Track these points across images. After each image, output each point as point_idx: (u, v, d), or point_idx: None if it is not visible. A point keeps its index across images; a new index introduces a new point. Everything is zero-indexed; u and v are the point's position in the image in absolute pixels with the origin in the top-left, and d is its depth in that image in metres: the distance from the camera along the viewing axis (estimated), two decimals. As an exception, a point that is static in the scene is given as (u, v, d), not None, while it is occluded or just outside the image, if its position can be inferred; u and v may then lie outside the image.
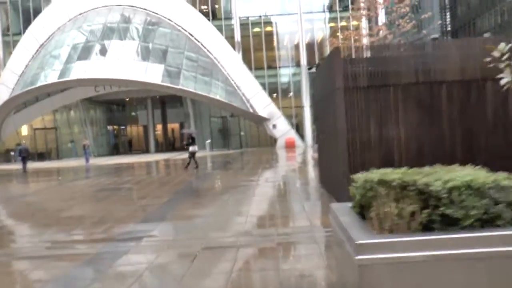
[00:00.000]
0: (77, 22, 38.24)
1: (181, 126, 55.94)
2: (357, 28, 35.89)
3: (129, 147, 49.21)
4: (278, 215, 9.75)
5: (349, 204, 4.19)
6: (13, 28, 42.42)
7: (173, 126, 53.84)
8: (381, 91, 8.46)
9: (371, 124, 8.49)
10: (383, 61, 8.53)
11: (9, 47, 41.23)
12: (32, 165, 34.65)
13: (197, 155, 35.36)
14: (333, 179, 10.36)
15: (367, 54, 8.65)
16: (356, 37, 34.48)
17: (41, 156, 40.50)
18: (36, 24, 39.22)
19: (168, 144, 50.22)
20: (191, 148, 21.23)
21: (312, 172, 17.75)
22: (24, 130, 42.75)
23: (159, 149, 47.13)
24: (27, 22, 40.36)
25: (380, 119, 8.47)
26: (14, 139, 41.58)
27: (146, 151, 49.55)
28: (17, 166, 34.27)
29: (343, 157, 8.59)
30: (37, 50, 38.35)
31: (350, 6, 38.28)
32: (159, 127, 49.29)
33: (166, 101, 48.74)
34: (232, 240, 7.39)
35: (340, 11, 39.48)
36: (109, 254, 7.09)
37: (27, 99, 37.27)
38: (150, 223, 9.24)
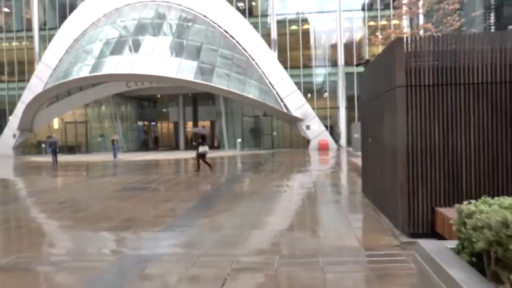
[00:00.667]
0: (111, 17, 37.69)
1: (212, 124, 55.41)
2: (397, 27, 34.29)
3: (156, 144, 48.43)
4: (320, 229, 8.45)
5: (447, 244, 2.90)
6: (50, 22, 42.24)
7: (204, 124, 52.99)
8: (449, 91, 7.09)
9: (436, 129, 7.12)
10: (453, 55, 7.14)
11: (45, 41, 41.03)
12: (61, 158, 34.35)
13: (228, 154, 35.04)
14: (381, 190, 9.02)
15: (430, 47, 7.21)
16: (398, 36, 33.07)
17: (71, 150, 40.17)
18: (71, 19, 38.91)
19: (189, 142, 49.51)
20: (201, 149, 19.18)
21: (351, 179, 16.39)
22: (56, 124, 42.50)
23: (189, 146, 46.27)
24: (63, 17, 40.10)
25: (447, 123, 7.10)
26: (45, 132, 41.42)
27: (176, 147, 48.94)
28: (47, 158, 34.02)
29: (400, 166, 7.24)
30: (71, 45, 38.00)
31: (391, 4, 36.77)
32: (190, 124, 48.46)
33: (198, 99, 47.94)
34: (266, 261, 6.17)
35: (381, 9, 37.79)
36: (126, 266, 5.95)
37: (59, 93, 36.89)
38: (172, 232, 8.11)
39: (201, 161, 19.49)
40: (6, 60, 42.79)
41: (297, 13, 38.86)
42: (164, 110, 52.60)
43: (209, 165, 19.49)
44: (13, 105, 40.06)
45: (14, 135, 39.84)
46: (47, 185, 17.07)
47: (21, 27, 42.61)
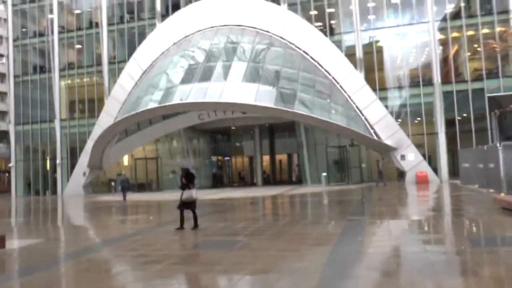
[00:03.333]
0: (182, 46, 34.68)
1: (289, 157, 50.99)
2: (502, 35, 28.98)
3: (242, 179, 44.64)
4: None
5: None
6: (119, 55, 39.96)
7: (281, 157, 48.76)
8: None
9: None
10: None
11: (114, 75, 38.65)
12: (131, 196, 31.09)
13: (312, 190, 30.25)
14: None
15: None
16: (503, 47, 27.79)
17: (141, 187, 36.97)
18: (140, 50, 36.31)
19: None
20: (185, 194, 12.27)
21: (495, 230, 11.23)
22: (125, 160, 39.67)
23: (267, 181, 42.02)
24: (132, 49, 37.64)
25: None
26: (115, 170, 38.64)
27: (251, 183, 44.83)
28: (116, 197, 30.92)
29: None
30: (140, 77, 35.23)
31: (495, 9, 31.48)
32: (266, 158, 44.26)
33: (275, 130, 43.83)
34: None
35: (481, 15, 32.24)
36: None
37: (127, 127, 33.92)
38: None
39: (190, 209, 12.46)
40: (78, 96, 40.78)
41: (384, 27, 34.01)
42: (238, 143, 48.87)
43: (195, 220, 12.41)
44: (83, 143, 37.66)
45: (84, 173, 37.26)
46: (108, 235, 13.12)
47: (91, 63, 40.60)
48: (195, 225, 12.30)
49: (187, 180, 12.27)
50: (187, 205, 12.29)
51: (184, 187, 12.26)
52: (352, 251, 8.52)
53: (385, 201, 20.08)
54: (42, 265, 8.81)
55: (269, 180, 43.31)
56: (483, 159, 22.47)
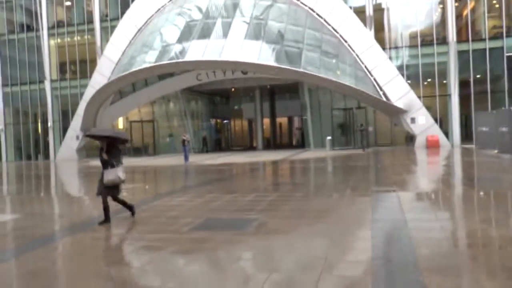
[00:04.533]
0: (178, 2, 31.91)
1: (290, 120, 48.85)
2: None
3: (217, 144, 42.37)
4: None
5: None
6: (112, 13, 37.15)
7: (282, 120, 46.66)
8: None
9: None
10: None
11: (107, 33, 35.98)
12: (126, 161, 29.04)
13: (318, 155, 28.33)
14: None
15: None
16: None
17: (137, 151, 34.88)
18: (134, 7, 33.54)
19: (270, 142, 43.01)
20: (106, 175, 8.62)
21: None
22: (120, 123, 37.46)
23: (268, 145, 40.05)
24: (125, 6, 34.86)
25: None
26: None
27: (250, 147, 42.90)
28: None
29: None
30: (135, 35, 32.63)
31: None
32: (266, 121, 42.09)
33: (276, 91, 41.58)
34: None
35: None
36: None
37: (122, 87, 31.59)
38: None
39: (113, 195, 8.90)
40: (68, 56, 38.08)
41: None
42: (238, 106, 46.62)
43: (127, 207, 9.17)
44: (76, 105, 35.33)
45: (77, 137, 35.09)
46: (93, 212, 11.15)
47: (82, 20, 37.78)
48: (131, 212, 9.13)
49: (109, 155, 8.54)
50: (110, 190, 8.66)
51: (105, 164, 8.55)
52: (402, 236, 6.57)
53: (403, 167, 18.14)
54: None
55: (270, 143, 41.31)
56: (507, 122, 20.52)
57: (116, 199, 8.91)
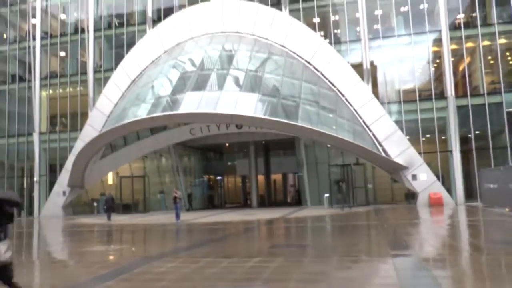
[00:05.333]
0: (173, 54, 31.20)
1: (284, 177, 47.40)
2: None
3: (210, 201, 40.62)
4: None
5: None
6: (105, 64, 36.33)
7: (276, 177, 45.20)
8: None
9: None
10: None
11: (100, 85, 34.99)
12: (116, 218, 27.46)
13: (317, 213, 26.52)
14: None
15: None
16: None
17: (127, 208, 32.97)
18: (129, 58, 32.67)
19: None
20: None
21: None
22: (110, 179, 35.75)
23: (263, 203, 38.30)
24: (120, 58, 34.09)
25: None
26: (98, 189, 34.85)
27: (245, 204, 41.22)
28: (99, 219, 27.34)
29: None
30: (128, 87, 31.61)
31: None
32: (261, 178, 40.57)
33: (271, 148, 40.42)
34: None
35: (499, 24, 29.21)
36: None
37: (112, 140, 30.19)
38: None
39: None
40: (59, 108, 36.82)
41: (394, 35, 30.82)
42: (232, 162, 45.18)
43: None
44: (65, 159, 33.71)
45: (64, 193, 33.23)
46: (71, 279, 9.43)
47: (75, 71, 36.84)
48: None
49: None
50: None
51: None
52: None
53: (413, 227, 16.59)
54: None
55: (264, 201, 39.61)
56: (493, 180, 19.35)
57: (9, 284, 5.97)
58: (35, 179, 35.91)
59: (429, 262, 9.04)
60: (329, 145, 30.45)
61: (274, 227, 19.08)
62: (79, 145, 30.89)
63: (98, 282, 8.24)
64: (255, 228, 19.27)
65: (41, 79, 36.99)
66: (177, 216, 23.63)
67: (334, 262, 9.49)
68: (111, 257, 11.94)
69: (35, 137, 36.23)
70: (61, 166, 33.97)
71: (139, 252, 13.00)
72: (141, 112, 26.94)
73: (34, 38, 37.37)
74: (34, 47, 37.24)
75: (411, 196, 29.45)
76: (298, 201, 37.65)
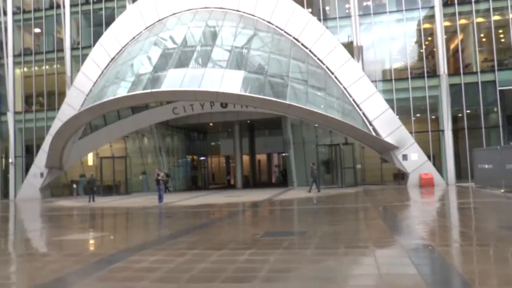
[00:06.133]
0: (155, 30, 29.48)
1: (269, 157, 46.24)
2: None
3: (194, 182, 39.27)
4: None
5: None
6: (83, 40, 34.32)
7: (261, 157, 43.99)
8: None
9: None
10: None
11: (78, 63, 33.11)
12: (96, 200, 26.07)
13: (302, 195, 25.29)
14: None
15: None
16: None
17: (108, 190, 31.43)
18: (108, 34, 30.88)
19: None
20: None
21: None
22: (90, 160, 34.09)
23: (248, 184, 37.10)
24: (98, 34, 32.22)
25: None
26: (77, 170, 33.22)
27: (228, 185, 40.05)
28: (78, 202, 25.97)
29: None
30: (108, 65, 29.87)
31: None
32: (245, 158, 39.28)
33: (256, 127, 39.10)
34: None
35: (493, 0, 27.95)
36: None
37: (91, 120, 28.54)
38: None
39: None
40: (35, 86, 34.76)
41: (386, 11, 29.43)
42: (216, 142, 43.81)
43: None
44: (42, 140, 31.95)
45: (41, 174, 31.58)
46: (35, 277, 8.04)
47: (51, 48, 34.75)
48: None
49: None
50: None
51: None
52: None
53: (409, 209, 15.52)
54: None
55: (249, 182, 38.38)
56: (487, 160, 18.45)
57: None
58: (10, 160, 34.06)
59: (448, 252, 7.87)
60: (316, 125, 29.30)
61: (262, 211, 17.84)
62: (57, 125, 29.20)
63: (66, 284, 6.89)
64: (242, 211, 18.00)
65: (14, 56, 34.85)
66: (160, 198, 22.23)
67: (342, 254, 8.24)
68: (87, 248, 10.56)
69: (10, 117, 34.26)
70: (38, 147, 32.30)
71: (118, 242, 11.61)
72: (121, 90, 25.31)
73: (5, 13, 35.05)
74: (5, 23, 34.98)
75: (400, 176, 28.52)
76: (283, 182, 36.56)
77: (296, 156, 31.04)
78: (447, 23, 28.57)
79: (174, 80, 24.22)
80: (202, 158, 42.77)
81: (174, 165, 35.83)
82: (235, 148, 35.69)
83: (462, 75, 27.73)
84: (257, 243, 9.74)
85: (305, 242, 9.55)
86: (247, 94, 22.98)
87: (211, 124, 36.03)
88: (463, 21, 28.69)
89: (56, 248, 10.78)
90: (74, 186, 32.75)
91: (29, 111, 34.68)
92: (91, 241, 11.25)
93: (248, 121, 34.59)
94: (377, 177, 29.69)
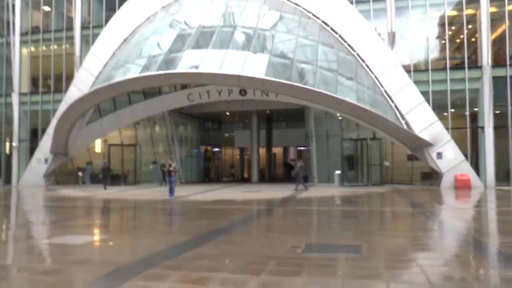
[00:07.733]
0: (170, 10, 26.95)
1: (285, 150, 43.59)
2: None
3: (206, 174, 36.74)
4: None
5: None
6: (95, 19, 31.79)
7: (278, 150, 41.36)
8: None
9: None
10: None
11: (88, 43, 30.62)
12: (102, 191, 23.66)
13: (331, 192, 21.50)
14: None
15: None
16: None
17: (115, 179, 28.95)
18: (121, 14, 28.44)
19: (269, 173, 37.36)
20: None
21: None
22: (98, 146, 31.63)
23: (264, 178, 34.48)
24: (110, 12, 29.73)
25: None
26: (84, 156, 30.80)
27: (242, 179, 37.50)
28: (84, 191, 23.77)
29: None
30: (119, 46, 27.36)
31: None
32: (262, 151, 36.64)
33: (274, 118, 36.44)
34: None
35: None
36: None
37: (99, 103, 26.07)
38: None
39: None
40: (42, 67, 32.29)
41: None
42: (229, 133, 41.17)
43: None
44: (48, 123, 29.56)
45: (45, 160, 29.20)
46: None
47: (60, 27, 32.25)
48: None
49: None
50: None
51: None
52: None
53: (464, 215, 12.82)
54: None
55: (264, 176, 35.74)
56: None
57: None
58: (14, 144, 31.67)
59: None
60: (340, 117, 26.62)
61: (289, 212, 15.17)
62: (63, 108, 26.71)
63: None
64: (266, 212, 15.34)
65: (21, 34, 32.38)
66: (171, 191, 19.68)
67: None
68: (70, 261, 7.93)
69: (15, 98, 31.84)
70: (44, 131, 29.94)
71: (117, 251, 8.96)
72: (133, 71, 22.77)
73: (13, -10, 32.62)
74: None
75: (430, 176, 25.69)
76: (304, 177, 33.86)
77: (318, 150, 28.35)
78: (494, 9, 25.53)
79: (191, 61, 21.65)
80: (216, 149, 40.18)
81: (187, 155, 33.30)
82: (252, 139, 33.08)
83: (508, 66, 24.73)
84: (303, 263, 7.09)
85: (369, 263, 6.87)
86: (272, 79, 20.24)
87: (227, 113, 33.38)
88: (511, 7, 25.60)
89: (32, 258, 8.23)
90: (80, 174, 30.30)
91: (35, 93, 32.20)
92: (82, 250, 8.65)
93: (268, 112, 31.91)
94: (405, 176, 26.83)
